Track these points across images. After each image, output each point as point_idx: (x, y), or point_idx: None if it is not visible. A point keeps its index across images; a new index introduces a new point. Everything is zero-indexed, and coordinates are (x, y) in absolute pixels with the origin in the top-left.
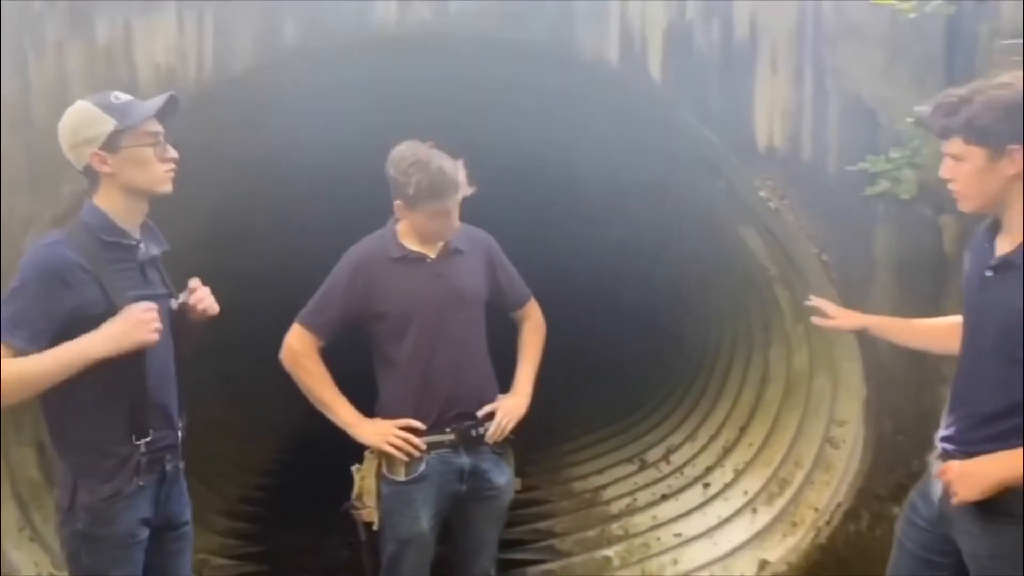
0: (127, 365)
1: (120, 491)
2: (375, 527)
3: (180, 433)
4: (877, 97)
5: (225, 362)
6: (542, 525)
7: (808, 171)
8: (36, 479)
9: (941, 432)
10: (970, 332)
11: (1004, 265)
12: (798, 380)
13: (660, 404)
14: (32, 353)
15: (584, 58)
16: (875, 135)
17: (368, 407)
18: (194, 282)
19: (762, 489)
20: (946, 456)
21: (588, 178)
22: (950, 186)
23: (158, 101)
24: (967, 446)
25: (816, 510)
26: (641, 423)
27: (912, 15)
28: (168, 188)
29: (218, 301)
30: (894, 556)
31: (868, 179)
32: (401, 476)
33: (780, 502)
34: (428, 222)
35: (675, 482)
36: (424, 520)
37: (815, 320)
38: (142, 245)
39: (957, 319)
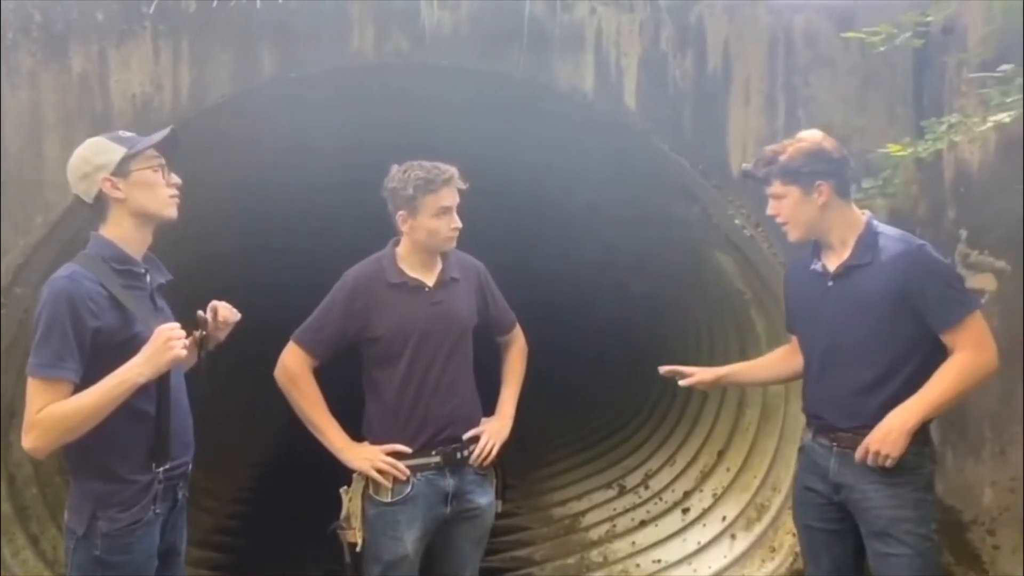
0: (151, 391)
1: (140, 519)
2: (359, 548)
3: (191, 461)
4: (848, 126)
5: (194, 386)
6: (521, 553)
7: None
8: (7, 513)
9: (814, 423)
10: (821, 335)
11: (846, 271)
12: (775, 404)
13: (639, 428)
14: (79, 383)
15: (560, 87)
16: None
17: (354, 423)
18: (209, 310)
19: (740, 514)
20: (827, 435)
21: (565, 204)
22: (777, 220)
23: (162, 132)
24: (849, 420)
25: (794, 535)
26: (620, 447)
27: (882, 48)
28: (173, 213)
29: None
30: (804, 540)
31: None
32: (387, 498)
33: (758, 528)
34: (433, 223)
35: (654, 508)
36: (408, 542)
37: (682, 383)
38: (148, 274)
39: (785, 347)
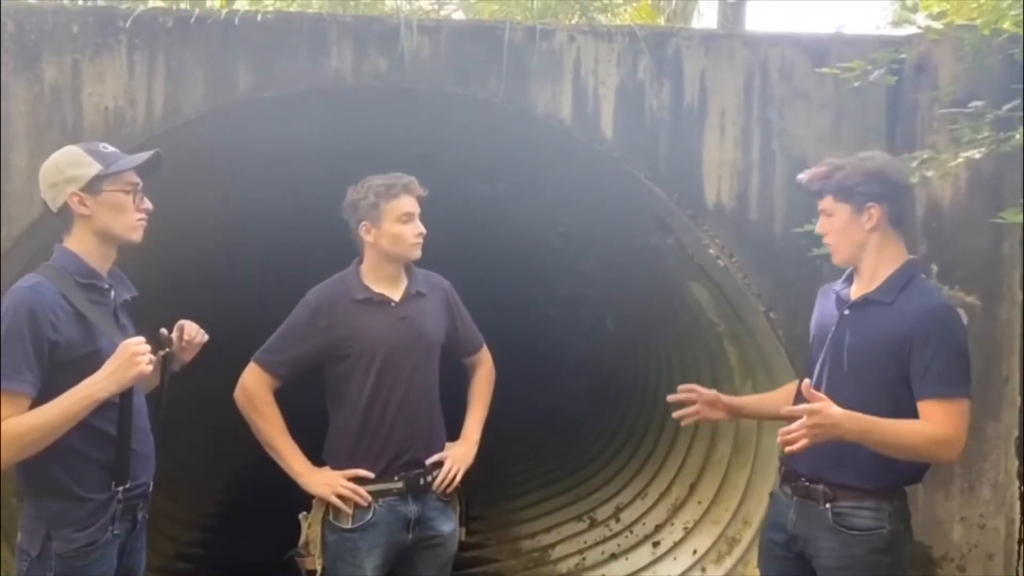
0: (110, 409)
1: (96, 540)
2: None
3: (152, 482)
4: (822, 160)
5: (157, 407)
6: None
7: (755, 230)
8: None
9: (782, 466)
10: (827, 365)
11: (864, 303)
12: (747, 437)
13: (611, 460)
14: (37, 397)
15: (537, 113)
16: None
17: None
18: (175, 329)
19: (711, 548)
20: (789, 483)
21: (539, 230)
22: (824, 240)
23: (144, 155)
24: (807, 466)
25: None
26: (591, 479)
27: (856, 83)
28: (138, 237)
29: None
30: None
31: (813, 240)
32: (347, 524)
33: (728, 562)
34: (397, 228)
35: (624, 541)
36: (368, 570)
37: (685, 421)
38: (113, 290)
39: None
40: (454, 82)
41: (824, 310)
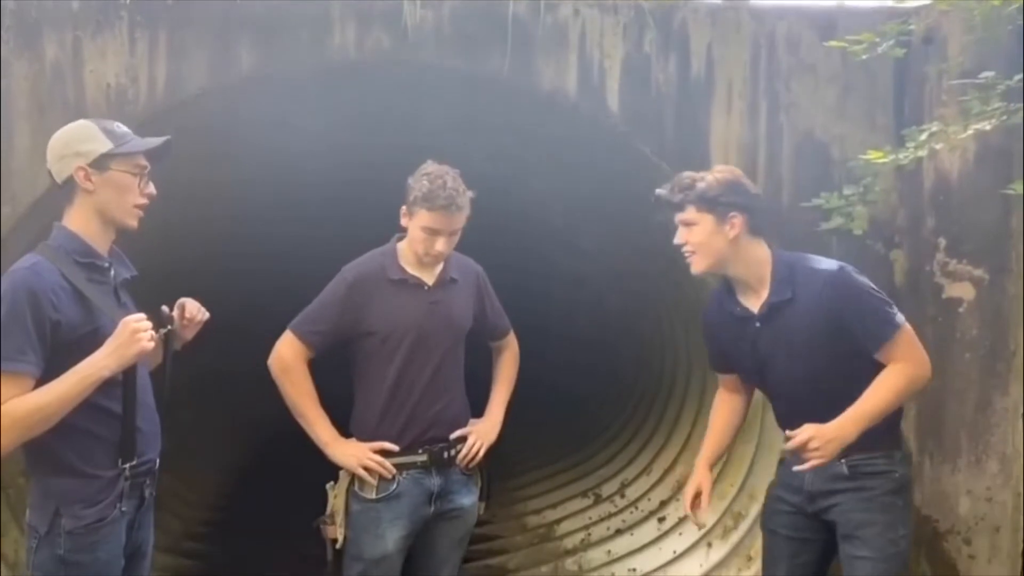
0: (115, 387)
1: (105, 517)
2: (339, 545)
3: (158, 459)
4: (829, 133)
5: (162, 386)
6: (495, 561)
7: None
8: None
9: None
10: (773, 371)
11: (771, 310)
12: (751, 412)
13: (615, 436)
14: (40, 378)
15: (543, 88)
16: (827, 170)
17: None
18: (176, 307)
19: (717, 523)
20: (803, 451)
21: (544, 207)
22: (684, 250)
23: (156, 140)
24: None
25: None
26: (596, 456)
27: (863, 56)
28: (134, 225)
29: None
30: (768, 544)
31: (822, 214)
32: (371, 495)
33: (735, 536)
34: (418, 234)
35: (630, 516)
36: (390, 541)
37: (698, 522)
38: (113, 268)
39: (722, 399)
40: (458, 57)
41: (730, 331)
